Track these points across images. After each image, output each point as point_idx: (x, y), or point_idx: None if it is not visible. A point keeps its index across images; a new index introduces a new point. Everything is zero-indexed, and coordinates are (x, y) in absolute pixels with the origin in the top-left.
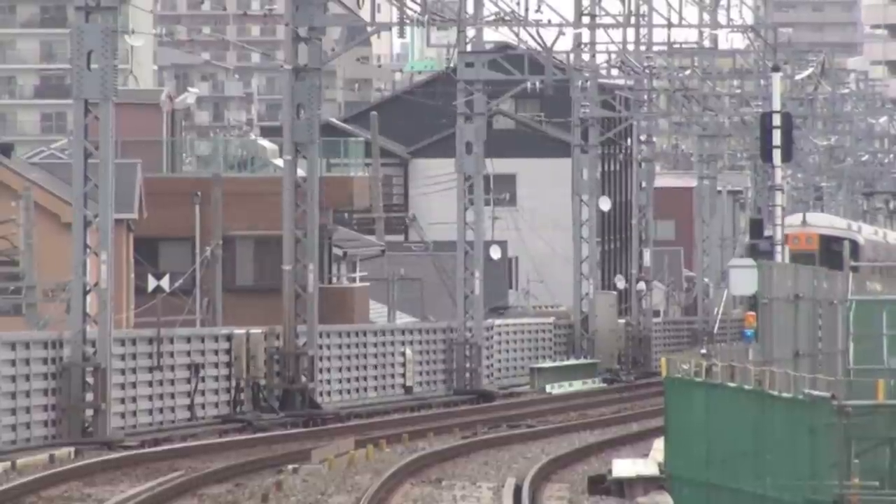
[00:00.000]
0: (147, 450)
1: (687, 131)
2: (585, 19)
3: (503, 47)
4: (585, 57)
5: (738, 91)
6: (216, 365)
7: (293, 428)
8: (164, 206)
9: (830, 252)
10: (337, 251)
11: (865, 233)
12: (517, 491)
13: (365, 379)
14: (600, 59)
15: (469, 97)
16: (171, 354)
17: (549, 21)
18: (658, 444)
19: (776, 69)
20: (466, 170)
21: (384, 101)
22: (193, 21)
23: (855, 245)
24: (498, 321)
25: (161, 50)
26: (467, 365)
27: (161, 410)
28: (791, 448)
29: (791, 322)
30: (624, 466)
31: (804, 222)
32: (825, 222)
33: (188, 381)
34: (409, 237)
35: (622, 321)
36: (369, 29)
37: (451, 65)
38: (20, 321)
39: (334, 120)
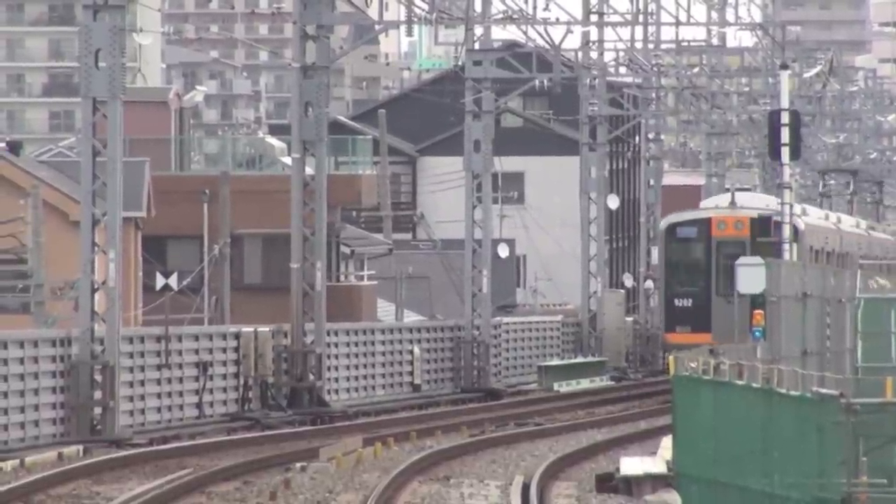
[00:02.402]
0: (155, 448)
1: (695, 129)
2: (593, 17)
3: (511, 45)
4: (593, 55)
5: (747, 89)
6: (224, 363)
7: (301, 426)
8: (173, 204)
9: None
10: (345, 249)
11: (812, 216)
12: (525, 489)
13: (373, 377)
14: (608, 57)
15: (477, 95)
16: (180, 352)
17: (558, 19)
18: (666, 442)
19: (784, 67)
20: (474, 168)
21: (392, 100)
22: (201, 19)
23: (795, 230)
24: (506, 319)
25: (169, 48)
26: (475, 363)
27: (169, 408)
28: (799, 446)
29: (799, 320)
30: (632, 464)
31: (732, 203)
32: (759, 203)
33: (196, 379)
34: (416, 235)
35: (630, 319)
36: (377, 27)
37: (459, 63)
38: (28, 319)
39: (342, 118)
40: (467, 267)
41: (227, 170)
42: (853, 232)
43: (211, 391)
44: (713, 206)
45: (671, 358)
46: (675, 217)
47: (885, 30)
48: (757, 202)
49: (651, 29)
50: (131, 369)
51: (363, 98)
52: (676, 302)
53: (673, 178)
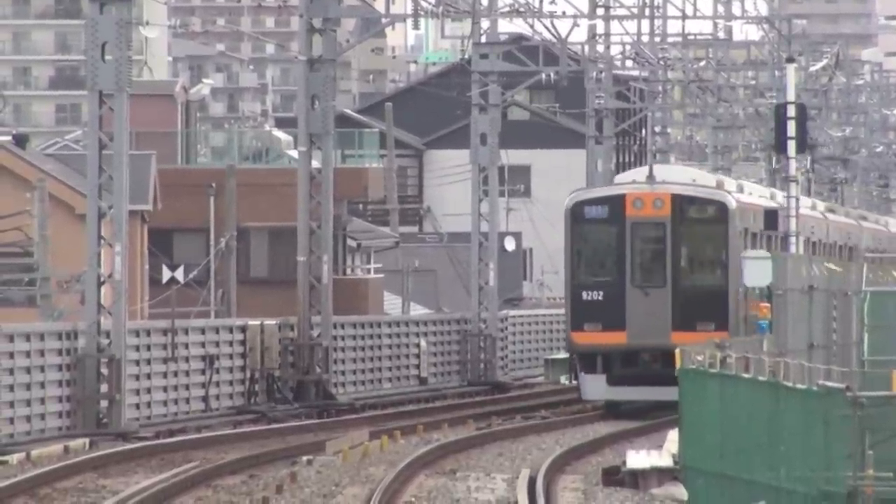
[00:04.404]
0: (161, 441)
1: (701, 122)
2: (600, 10)
3: (518, 38)
4: (600, 48)
5: (753, 82)
6: (231, 356)
7: (307, 419)
8: (179, 197)
9: (688, 220)
10: (351, 242)
11: (750, 195)
12: (531, 482)
13: (379, 370)
14: (615, 50)
15: (484, 88)
16: (186, 346)
17: (564, 12)
18: (672, 436)
19: (791, 60)
20: (481, 161)
21: (399, 93)
22: (208, 12)
23: (723, 210)
24: (512, 312)
25: (175, 41)
26: (481, 356)
27: (175, 401)
28: (805, 439)
29: (805, 313)
30: (638, 458)
31: (650, 177)
32: (683, 177)
33: (203, 372)
34: (423, 228)
35: None
36: (384, 20)
37: (466, 56)
38: (35, 312)
39: (349, 111)
40: (474, 260)
41: (233, 163)
42: (806, 215)
43: (217, 384)
44: (629, 181)
45: (677, 351)
46: (582, 194)
47: (891, 23)
48: (680, 176)
49: (657, 22)
50: (137, 362)
51: (370, 91)
52: (584, 295)
53: None
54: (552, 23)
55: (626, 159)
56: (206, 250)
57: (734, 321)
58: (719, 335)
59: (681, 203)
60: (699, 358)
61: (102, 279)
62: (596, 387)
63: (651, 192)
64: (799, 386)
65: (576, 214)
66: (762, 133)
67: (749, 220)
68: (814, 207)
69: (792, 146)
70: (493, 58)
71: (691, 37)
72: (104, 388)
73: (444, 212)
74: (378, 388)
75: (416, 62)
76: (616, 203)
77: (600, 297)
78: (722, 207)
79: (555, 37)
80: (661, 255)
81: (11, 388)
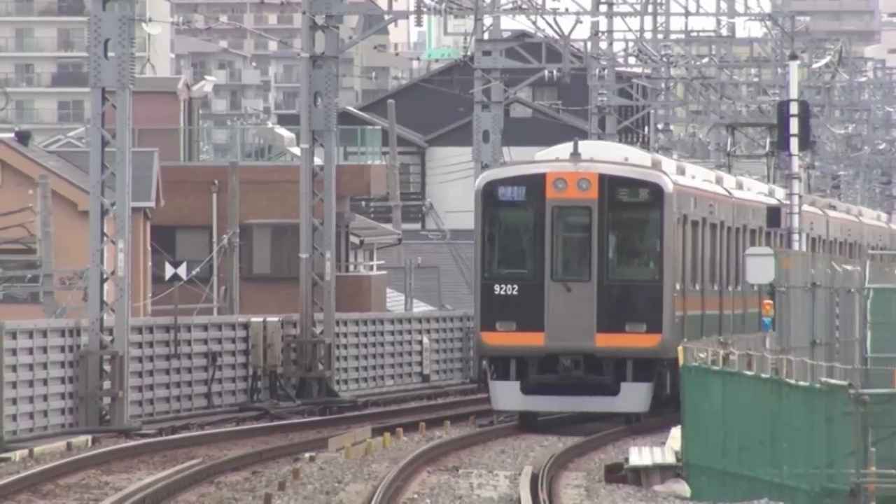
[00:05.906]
0: (164, 438)
1: (704, 120)
2: (603, 7)
3: (520, 35)
4: (603, 45)
5: (756, 79)
6: (233, 353)
7: (310, 416)
8: (182, 194)
9: (618, 204)
10: (354, 239)
11: (692, 178)
12: (534, 479)
13: (382, 367)
14: (617, 47)
15: (486, 85)
16: (189, 342)
17: (567, 9)
18: (675, 433)
19: (794, 57)
20: (483, 158)
21: (401, 90)
22: (211, 9)
23: (658, 194)
24: None
25: (178, 38)
26: None
27: (178, 398)
28: (808, 436)
29: (808, 310)
30: (641, 455)
31: (575, 154)
32: (613, 155)
33: (205, 369)
34: (426, 225)
35: None
36: (387, 17)
37: (469, 53)
38: (37, 309)
39: (351, 108)
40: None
41: (235, 160)
42: (756, 201)
43: (220, 381)
44: (552, 158)
45: (680, 348)
46: (495, 172)
47: (894, 20)
48: (610, 153)
49: (660, 19)
50: (140, 359)
51: (372, 88)
52: (497, 289)
53: None
54: (555, 20)
55: None
56: (208, 247)
57: (669, 321)
58: (651, 338)
59: (609, 184)
60: (702, 355)
61: (105, 276)
62: (508, 395)
63: (575, 172)
64: (802, 383)
65: (488, 196)
66: (765, 130)
67: (689, 206)
68: (771, 194)
69: (795, 143)
70: (496, 55)
71: (694, 34)
72: (107, 384)
73: (446, 209)
74: (381, 385)
75: (418, 59)
76: (535, 183)
77: (515, 293)
78: (656, 190)
79: (557, 34)
80: (585, 244)
81: (14, 384)
